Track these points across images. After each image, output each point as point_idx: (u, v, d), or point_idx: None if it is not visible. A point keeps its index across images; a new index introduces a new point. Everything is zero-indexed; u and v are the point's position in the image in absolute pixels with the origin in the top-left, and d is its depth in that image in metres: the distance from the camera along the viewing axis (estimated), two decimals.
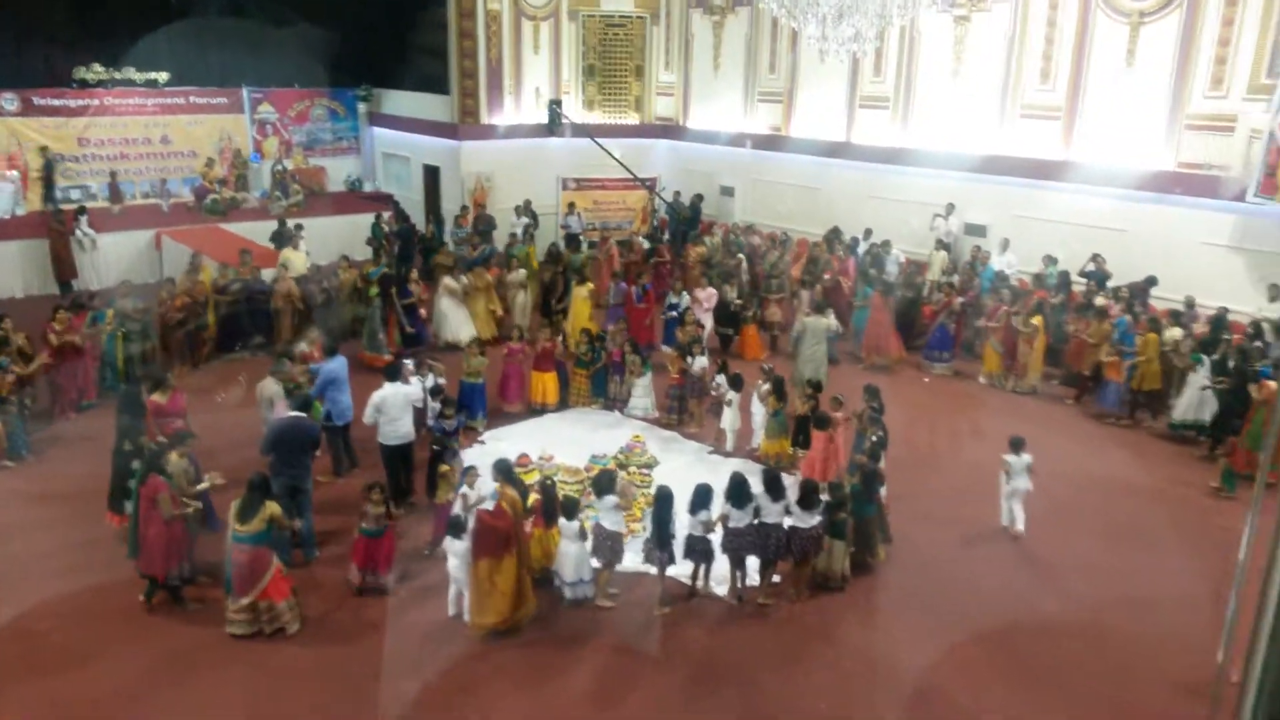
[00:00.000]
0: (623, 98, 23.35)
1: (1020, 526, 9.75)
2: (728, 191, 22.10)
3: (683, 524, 8.54)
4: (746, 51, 21.34)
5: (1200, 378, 12.01)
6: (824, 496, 8.71)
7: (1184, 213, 14.31)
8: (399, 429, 9.93)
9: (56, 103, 20.93)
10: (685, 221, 20.95)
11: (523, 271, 16.28)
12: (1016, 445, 9.78)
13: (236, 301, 14.69)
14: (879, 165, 18.50)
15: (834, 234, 18.10)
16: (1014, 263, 15.89)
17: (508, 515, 7.89)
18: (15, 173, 20.12)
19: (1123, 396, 12.92)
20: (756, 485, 8.55)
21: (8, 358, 11.21)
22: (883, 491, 9.39)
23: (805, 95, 20.21)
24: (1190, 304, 13.74)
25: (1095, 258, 14.95)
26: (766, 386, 11.23)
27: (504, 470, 8.38)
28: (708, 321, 15.04)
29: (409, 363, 11.20)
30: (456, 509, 8.50)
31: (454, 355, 13.65)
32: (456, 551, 8.07)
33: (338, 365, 10.74)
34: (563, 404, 13.00)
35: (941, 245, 17.10)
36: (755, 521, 8.45)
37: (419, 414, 10.50)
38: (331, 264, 16.81)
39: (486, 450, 11.30)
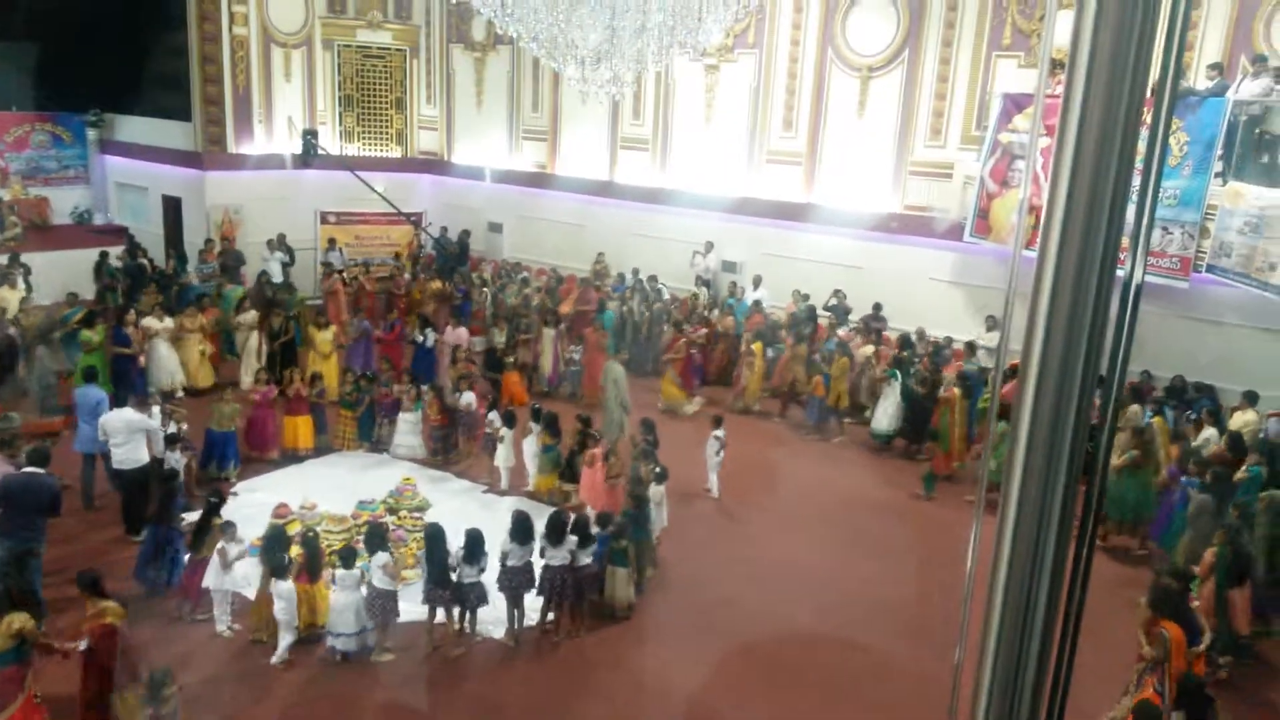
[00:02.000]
0: (384, 130, 22.82)
1: (715, 492, 11.47)
2: (496, 228, 22.08)
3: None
4: (509, 89, 21.50)
5: (895, 391, 13.38)
6: (595, 530, 8.82)
7: (912, 251, 15.78)
8: (127, 455, 9.58)
9: None
10: (453, 258, 20.68)
11: (254, 313, 14.89)
12: (718, 422, 11.53)
13: None
14: (641, 204, 19.13)
15: (601, 266, 18.60)
16: (767, 298, 16.87)
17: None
18: None
19: (824, 412, 14.06)
20: (538, 524, 8.54)
21: None
22: (664, 515, 9.67)
23: (569, 134, 20.61)
24: (921, 334, 15.11)
25: (836, 293, 16.15)
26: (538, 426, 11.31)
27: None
28: (445, 361, 14.50)
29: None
30: (210, 574, 7.96)
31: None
32: (282, 594, 7.60)
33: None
34: (323, 448, 12.39)
35: (702, 282, 17.87)
36: (543, 562, 8.41)
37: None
38: (56, 303, 15.22)
39: (241, 502, 10.58)
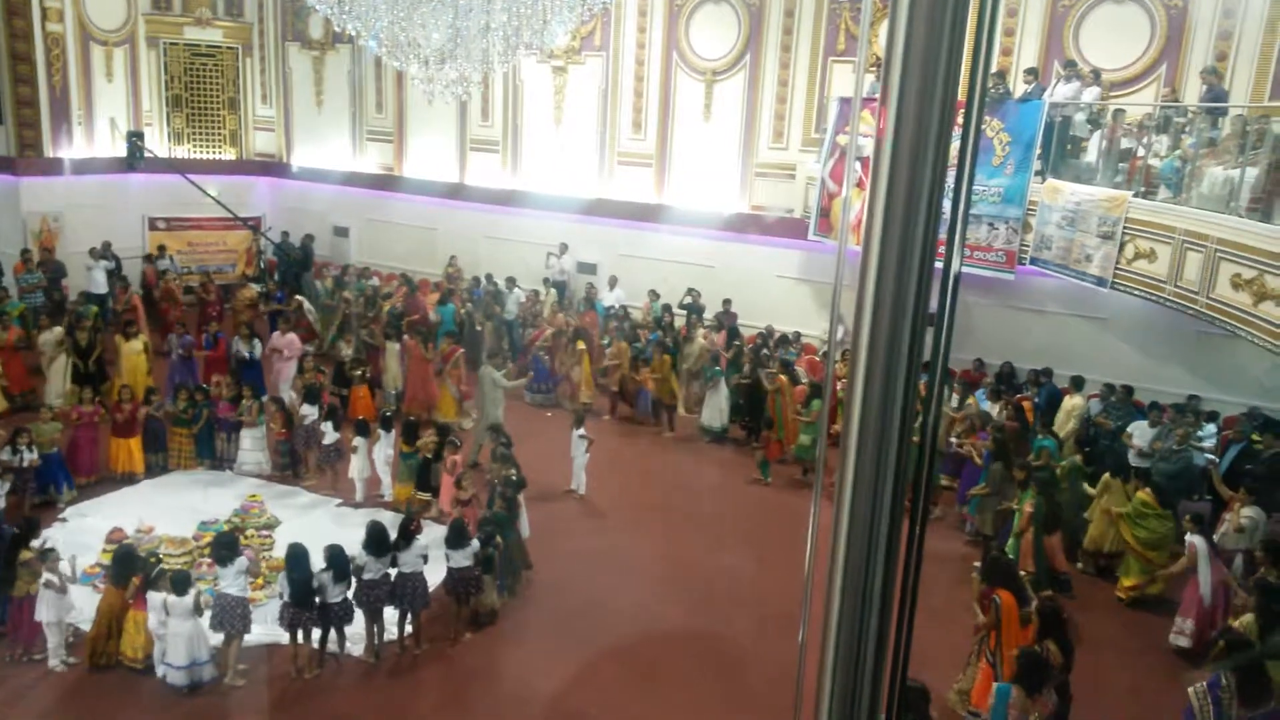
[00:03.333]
0: (216, 132, 21.74)
1: (581, 490, 11.64)
2: (341, 232, 21.39)
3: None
4: (351, 89, 20.88)
5: (721, 391, 13.86)
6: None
7: (761, 250, 16.25)
8: None
9: None
10: (296, 263, 19.90)
11: (59, 330, 13.54)
12: (579, 421, 11.83)
13: None
14: (493, 207, 18.95)
15: (454, 270, 18.34)
16: (623, 298, 17.01)
17: None
18: None
19: (653, 406, 14.44)
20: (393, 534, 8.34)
21: None
22: (525, 523, 9.60)
23: (416, 136, 20.19)
24: (770, 331, 15.57)
25: (691, 292, 16.44)
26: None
27: None
28: (290, 370, 13.80)
29: None
30: (42, 607, 7.45)
31: None
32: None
33: None
34: (158, 469, 11.70)
35: (553, 283, 17.82)
36: (395, 570, 8.22)
37: None
38: None
39: (71, 528, 9.89)
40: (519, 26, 11.40)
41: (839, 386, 13.04)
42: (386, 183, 20.55)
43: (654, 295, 16.62)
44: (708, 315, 16.13)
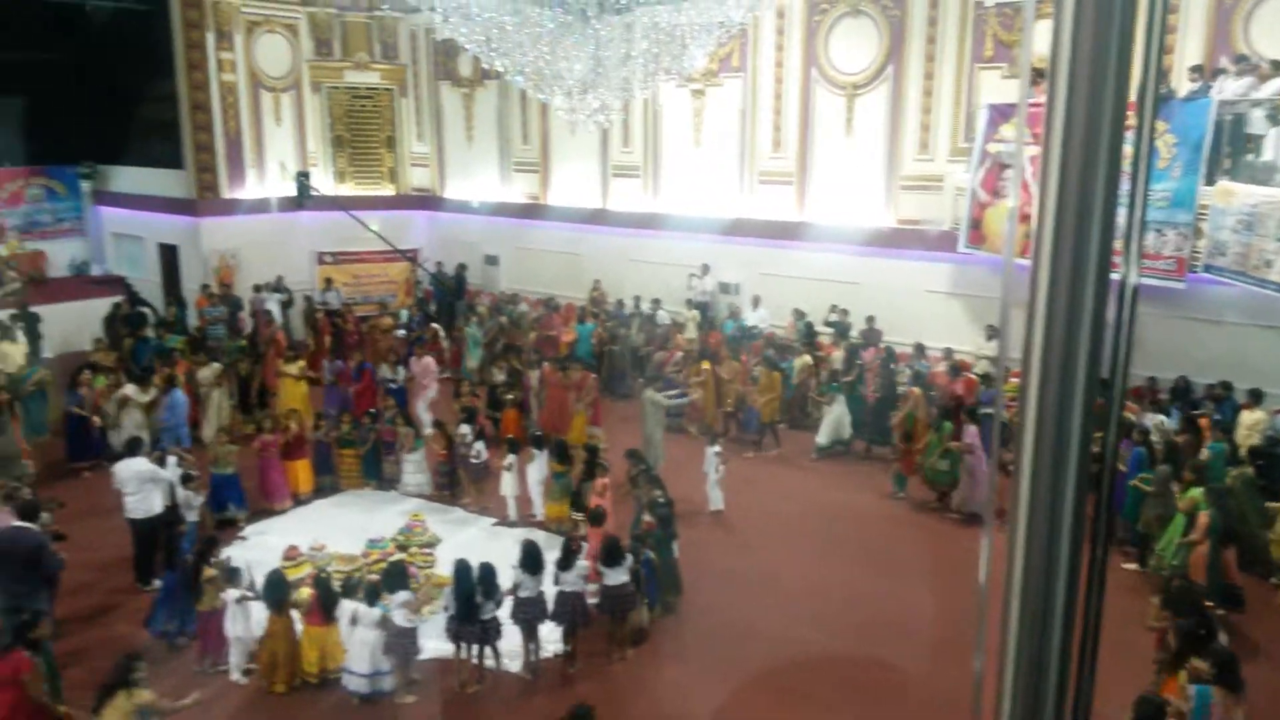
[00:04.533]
0: (376, 169, 22.96)
1: (718, 505, 11.68)
2: (492, 260, 22.16)
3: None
4: (498, 123, 21.65)
5: (837, 408, 13.57)
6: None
7: (908, 264, 15.82)
8: (138, 505, 9.60)
9: None
10: (451, 292, 20.75)
11: (216, 365, 14.25)
12: (713, 438, 11.97)
13: None
14: (635, 230, 19.23)
15: (598, 293, 18.71)
16: (766, 317, 16.91)
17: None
18: None
19: (760, 425, 14.16)
20: (550, 551, 8.52)
21: None
22: (675, 546, 9.63)
23: (560, 165, 20.74)
24: (921, 349, 15.11)
25: (836, 309, 16.17)
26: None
27: None
28: (430, 395, 14.47)
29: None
30: (229, 622, 7.98)
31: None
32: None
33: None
34: (324, 490, 12.34)
35: (695, 304, 17.91)
36: (556, 589, 8.38)
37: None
38: (64, 355, 15.28)
39: (250, 545, 10.55)
40: (658, 53, 11.57)
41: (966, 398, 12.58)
42: (533, 211, 21.17)
43: (798, 314, 16.44)
44: (853, 333, 15.84)
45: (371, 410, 13.05)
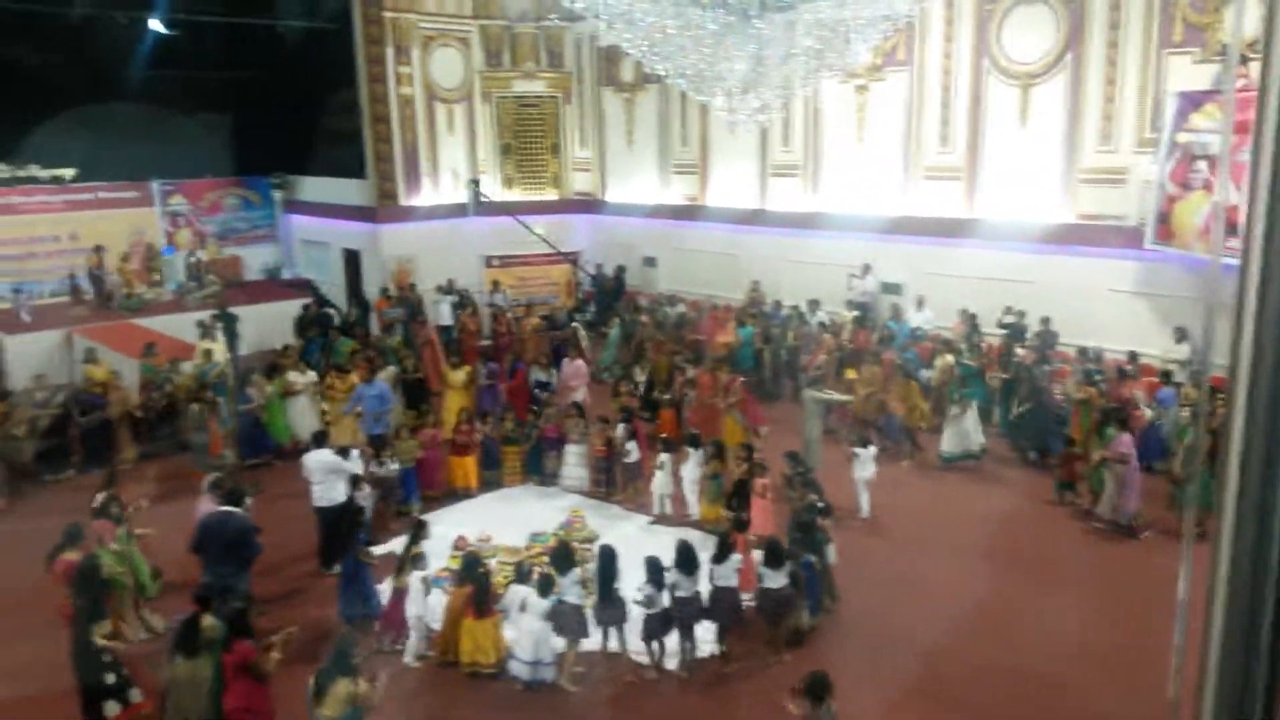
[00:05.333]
0: (540, 174, 23.65)
1: (865, 512, 11.45)
2: (650, 262, 22.42)
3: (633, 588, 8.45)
4: (659, 125, 21.88)
5: (969, 415, 12.93)
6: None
7: (1089, 262, 14.97)
8: (323, 494, 10.25)
9: None
10: (610, 294, 21.15)
11: (392, 369, 14.83)
12: (863, 441, 11.54)
13: (65, 414, 13.55)
14: (794, 230, 19.02)
15: (756, 294, 18.64)
16: (931, 319, 16.38)
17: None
18: None
19: (902, 431, 13.61)
20: (704, 552, 8.54)
21: None
22: (832, 550, 9.48)
23: (719, 166, 20.76)
24: (1097, 354, 14.26)
25: (1010, 310, 15.47)
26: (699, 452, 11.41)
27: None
28: (578, 398, 14.53)
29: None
30: (411, 603, 8.45)
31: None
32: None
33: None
34: (491, 485, 12.78)
35: (854, 305, 17.53)
36: (711, 587, 8.41)
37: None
38: (257, 353, 16.51)
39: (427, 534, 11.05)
40: (821, 50, 11.39)
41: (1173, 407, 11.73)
42: (691, 212, 21.29)
43: (966, 315, 15.84)
44: (1027, 336, 15.13)
45: (534, 408, 13.46)
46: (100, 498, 9.46)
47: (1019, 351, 14.16)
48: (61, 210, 21.61)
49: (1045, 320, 15.03)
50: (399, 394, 14.66)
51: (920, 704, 7.94)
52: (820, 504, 9.71)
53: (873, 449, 11.66)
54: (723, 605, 8.42)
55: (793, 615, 8.65)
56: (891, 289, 17.71)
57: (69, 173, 21.64)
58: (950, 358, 14.29)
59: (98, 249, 21.36)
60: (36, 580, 9.06)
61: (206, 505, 9.28)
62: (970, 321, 15.66)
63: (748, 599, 8.84)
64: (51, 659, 7.91)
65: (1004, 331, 15.31)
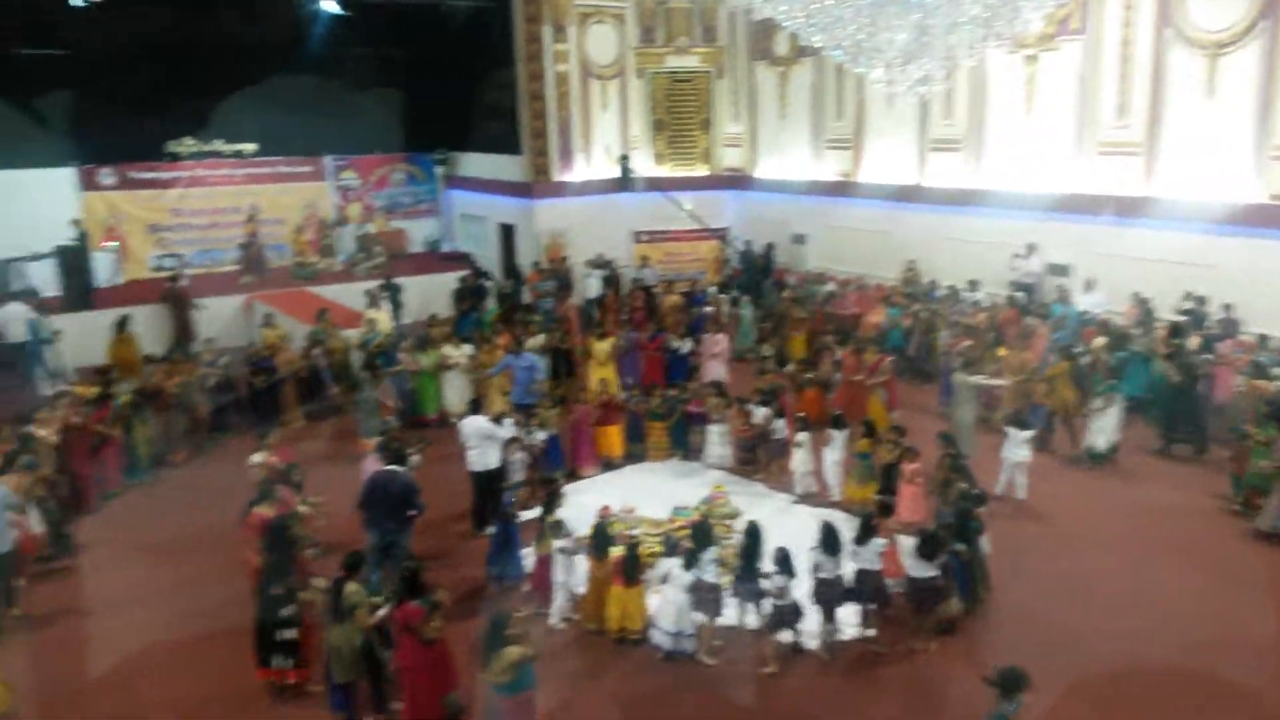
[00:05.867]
0: (691, 150, 23.64)
1: (1022, 494, 11.12)
2: (799, 239, 22.10)
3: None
4: (812, 99, 21.46)
5: (1114, 409, 12.16)
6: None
7: None
8: (478, 458, 10.64)
9: (150, 175, 22.09)
10: (758, 270, 21.00)
11: (541, 338, 15.15)
12: (1021, 423, 11.21)
13: (233, 379, 14.38)
14: (953, 207, 18.33)
15: (912, 274, 18.13)
16: (1102, 301, 15.51)
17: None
18: (115, 243, 21.17)
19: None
20: (847, 533, 8.47)
21: (34, 456, 10.36)
22: (985, 540, 9.18)
23: (874, 140, 20.20)
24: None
25: (1191, 297, 14.45)
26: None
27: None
28: (719, 370, 14.73)
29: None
30: (557, 568, 8.74)
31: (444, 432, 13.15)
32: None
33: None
34: (633, 457, 12.93)
35: (1019, 287, 16.80)
36: (854, 567, 8.32)
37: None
38: (417, 323, 17.25)
39: (567, 503, 11.27)
40: (990, 18, 10.88)
41: None
42: (843, 188, 20.84)
43: (1139, 299, 14.90)
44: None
45: (680, 382, 13.56)
46: (257, 458, 10.08)
47: (1188, 339, 13.22)
48: (243, 183, 23.11)
49: (1227, 307, 13.99)
50: (546, 363, 14.97)
51: (1085, 709, 7.58)
52: (975, 491, 9.41)
53: (1029, 431, 11.28)
54: (867, 588, 8.30)
55: (942, 604, 8.43)
56: (1058, 270, 16.83)
57: (250, 147, 23.12)
58: (1102, 340, 13.53)
59: (251, 218, 22.47)
60: (216, 526, 9.87)
61: (372, 464, 9.78)
62: (1143, 306, 14.72)
63: (892, 585, 8.68)
64: (234, 599, 8.62)
65: (1182, 318, 14.31)
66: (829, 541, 8.31)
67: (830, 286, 19.03)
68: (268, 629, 7.69)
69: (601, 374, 14.29)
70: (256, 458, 10.18)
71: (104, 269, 20.36)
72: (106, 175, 21.48)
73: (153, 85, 21.36)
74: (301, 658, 7.75)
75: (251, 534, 8.46)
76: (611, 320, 18.12)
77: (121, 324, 16.48)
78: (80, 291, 18.53)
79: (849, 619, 8.55)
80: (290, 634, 7.67)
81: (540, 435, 11.83)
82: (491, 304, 18.79)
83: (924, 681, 8.04)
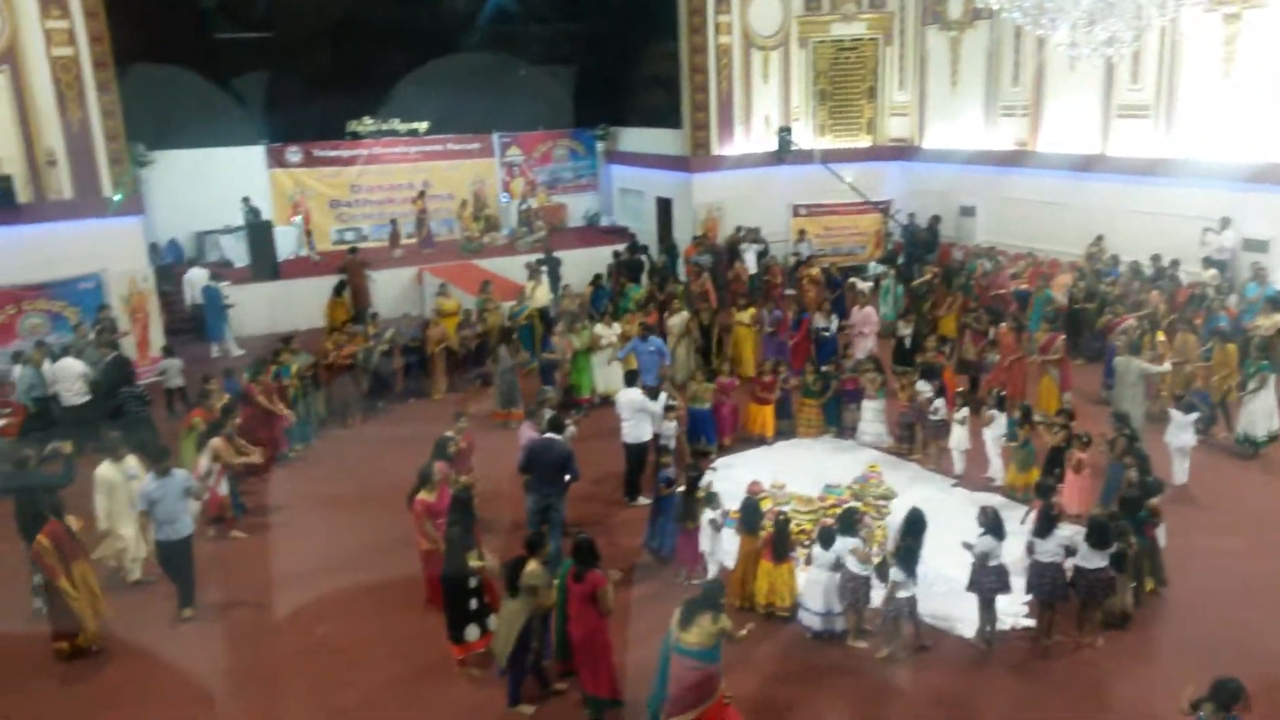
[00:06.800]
0: (854, 120, 23.00)
1: (1182, 479, 10.53)
2: (968, 212, 21.18)
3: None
4: (987, 65, 20.44)
5: (1267, 392, 11.28)
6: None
7: None
8: (631, 430, 10.85)
9: (332, 153, 23.36)
10: (922, 245, 20.29)
11: (685, 315, 14.94)
12: (1187, 406, 10.58)
13: (388, 352, 14.75)
14: (1139, 177, 17.10)
15: (1097, 249, 17.10)
16: None
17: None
18: (300, 218, 22.56)
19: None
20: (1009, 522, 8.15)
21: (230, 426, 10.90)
22: (1161, 530, 8.64)
23: (1053, 106, 19.07)
24: None
25: None
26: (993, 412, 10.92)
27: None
28: (868, 345, 14.36)
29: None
30: (704, 540, 8.76)
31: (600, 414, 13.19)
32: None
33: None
34: (782, 434, 12.77)
35: (1212, 262, 15.55)
36: (1031, 559, 8.01)
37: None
38: (573, 296, 17.57)
39: (718, 476, 11.36)
40: None
41: None
42: (1016, 158, 19.80)
43: None
44: None
45: (834, 358, 13.31)
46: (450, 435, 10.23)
47: None
48: (416, 160, 24.13)
49: None
50: (694, 338, 14.98)
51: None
52: (1149, 479, 8.84)
53: (1194, 414, 10.59)
54: (1045, 582, 7.92)
55: (1111, 598, 7.99)
56: (1256, 246, 15.48)
57: (422, 126, 24.08)
58: (1278, 316, 12.46)
59: (421, 194, 23.22)
60: (382, 489, 10.43)
61: (528, 431, 10.10)
62: None
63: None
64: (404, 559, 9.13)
65: None
66: (994, 527, 7.98)
67: (1000, 261, 18.19)
68: (458, 602, 7.83)
69: (747, 343, 14.19)
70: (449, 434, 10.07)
71: (289, 242, 21.74)
72: (293, 153, 22.85)
73: (337, 65, 22.58)
74: (486, 625, 7.92)
75: (418, 519, 8.51)
76: (762, 295, 17.92)
77: (339, 288, 17.81)
78: (268, 263, 19.88)
79: (1006, 607, 8.23)
80: (477, 603, 7.84)
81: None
82: (643, 280, 18.86)
83: (1088, 678, 7.64)
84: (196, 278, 18.71)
